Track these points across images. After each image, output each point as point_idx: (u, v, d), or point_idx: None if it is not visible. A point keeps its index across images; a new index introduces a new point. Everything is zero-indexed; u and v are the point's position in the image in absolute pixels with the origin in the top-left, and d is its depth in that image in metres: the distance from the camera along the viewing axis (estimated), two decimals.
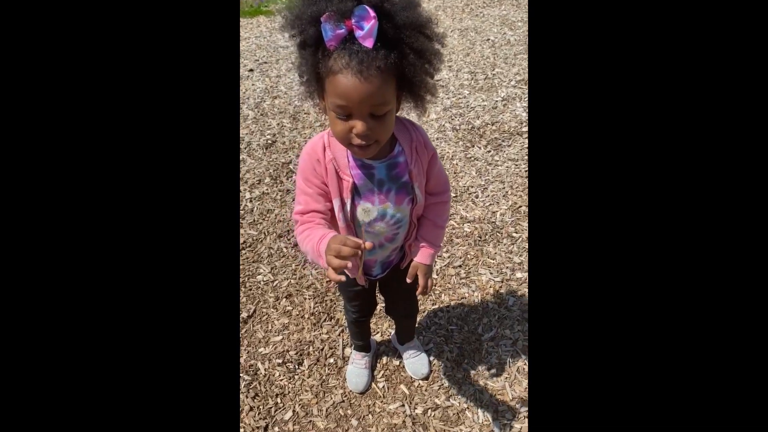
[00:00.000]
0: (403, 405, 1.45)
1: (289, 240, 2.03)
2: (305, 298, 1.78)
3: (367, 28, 0.73)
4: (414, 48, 0.77)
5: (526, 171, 2.36)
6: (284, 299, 1.78)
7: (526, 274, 1.83)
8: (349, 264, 0.74)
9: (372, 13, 0.73)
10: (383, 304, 1.55)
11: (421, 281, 1.06)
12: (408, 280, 1.07)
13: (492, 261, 1.90)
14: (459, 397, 1.47)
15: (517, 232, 2.03)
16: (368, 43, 0.74)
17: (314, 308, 1.74)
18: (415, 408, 1.44)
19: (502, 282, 1.81)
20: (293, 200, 2.23)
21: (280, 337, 1.65)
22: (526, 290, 1.77)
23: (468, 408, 1.44)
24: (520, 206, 2.15)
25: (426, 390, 1.49)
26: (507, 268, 1.87)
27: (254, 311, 1.74)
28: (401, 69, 0.77)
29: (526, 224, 2.06)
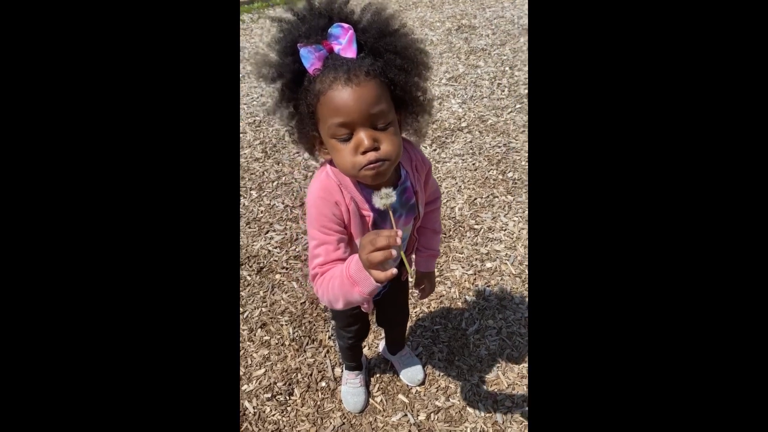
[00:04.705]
0: (405, 414, 1.42)
1: (251, 267, 1.92)
2: (282, 325, 1.69)
3: (345, 40, 0.72)
4: (397, 51, 0.75)
5: (473, 164, 2.43)
6: (259, 329, 1.68)
7: (495, 263, 1.88)
8: (394, 253, 0.67)
9: (346, 26, 0.72)
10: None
11: (427, 289, 1.04)
12: (415, 290, 1.05)
13: (461, 255, 1.93)
14: (457, 395, 1.47)
15: (477, 224, 2.08)
16: (351, 54, 0.72)
17: (294, 333, 1.66)
18: (418, 415, 1.42)
19: (475, 274, 1.84)
20: (259, 229, 2.12)
21: (263, 369, 1.56)
22: (499, 278, 1.82)
23: (469, 404, 1.44)
24: (476, 198, 2.21)
25: (424, 395, 1.47)
26: (476, 260, 1.90)
27: None
28: (390, 76, 0.75)
29: (484, 215, 2.12)
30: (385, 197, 0.73)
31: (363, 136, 0.73)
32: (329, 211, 0.85)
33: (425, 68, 0.80)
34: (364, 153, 0.74)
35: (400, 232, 0.68)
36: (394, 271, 0.68)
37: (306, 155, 2.02)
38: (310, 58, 0.72)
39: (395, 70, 0.75)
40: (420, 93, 0.81)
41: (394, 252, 0.67)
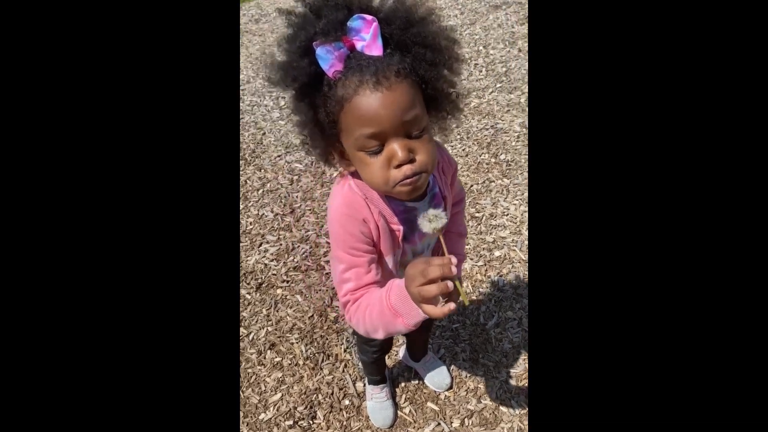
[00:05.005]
0: (439, 423, 1.35)
1: (249, 284, 1.80)
2: (292, 343, 1.59)
3: (369, 35, 0.62)
4: (426, 44, 0.66)
5: (463, 150, 2.36)
6: (268, 351, 1.58)
7: (503, 251, 1.83)
8: (450, 285, 0.57)
9: (369, 17, 0.61)
10: None
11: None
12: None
13: (467, 247, 1.86)
14: (488, 395, 1.41)
15: (478, 212, 2.01)
16: (377, 51, 0.62)
17: (306, 351, 1.56)
18: (451, 422, 1.36)
19: (485, 265, 1.78)
20: (251, 242, 2.00)
21: (279, 394, 1.46)
22: (510, 266, 1.77)
23: (501, 403, 1.39)
24: (472, 185, 2.15)
25: (454, 399, 1.41)
26: (484, 249, 1.84)
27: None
28: (421, 73, 0.65)
29: (484, 202, 2.05)
30: (435, 220, 0.64)
31: (397, 148, 0.64)
32: (356, 230, 0.76)
33: (456, 60, 0.70)
34: (398, 166, 0.65)
35: (454, 260, 0.59)
36: (452, 306, 0.59)
37: (300, 157, 1.91)
38: (328, 58, 0.61)
39: (426, 65, 0.65)
40: (452, 89, 0.72)
41: (450, 284, 0.57)
